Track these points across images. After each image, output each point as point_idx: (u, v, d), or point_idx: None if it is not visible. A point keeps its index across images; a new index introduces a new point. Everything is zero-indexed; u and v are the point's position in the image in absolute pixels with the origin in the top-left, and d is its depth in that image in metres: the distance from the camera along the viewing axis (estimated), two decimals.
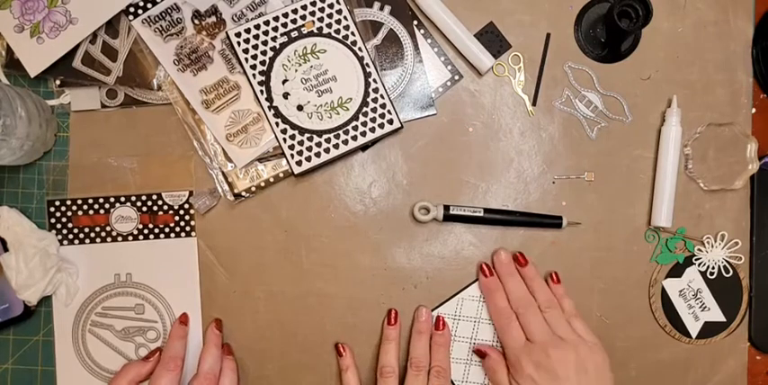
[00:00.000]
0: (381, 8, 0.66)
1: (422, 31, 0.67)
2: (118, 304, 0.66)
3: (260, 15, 0.64)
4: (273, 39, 0.63)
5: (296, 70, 0.64)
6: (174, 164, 0.66)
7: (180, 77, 0.64)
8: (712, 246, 0.67)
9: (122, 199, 0.66)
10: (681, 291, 0.67)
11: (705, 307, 0.67)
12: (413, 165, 0.67)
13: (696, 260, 0.67)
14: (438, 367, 0.63)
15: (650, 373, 0.67)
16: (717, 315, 0.67)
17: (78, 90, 0.66)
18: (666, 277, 0.67)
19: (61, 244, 0.65)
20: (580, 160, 0.67)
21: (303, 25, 0.64)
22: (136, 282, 0.66)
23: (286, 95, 0.64)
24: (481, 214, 0.65)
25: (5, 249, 0.63)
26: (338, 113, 0.64)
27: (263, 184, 0.66)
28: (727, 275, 0.67)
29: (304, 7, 0.64)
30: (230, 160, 0.65)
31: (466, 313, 0.65)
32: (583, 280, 0.67)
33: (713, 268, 0.67)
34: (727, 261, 0.67)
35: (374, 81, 0.64)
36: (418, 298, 0.66)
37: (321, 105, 0.64)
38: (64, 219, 0.66)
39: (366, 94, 0.64)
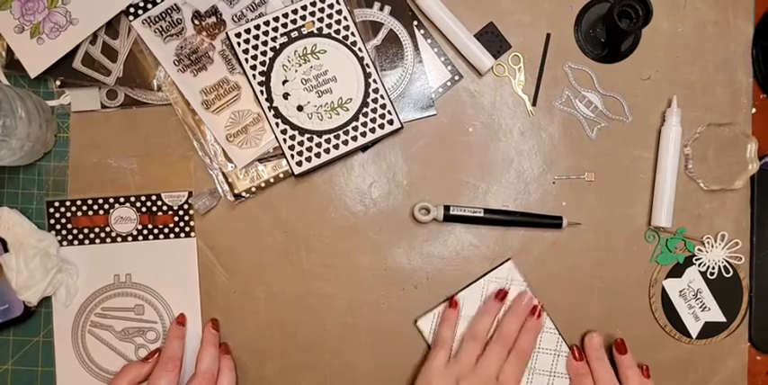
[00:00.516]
0: (381, 8, 0.66)
1: (422, 31, 0.67)
2: (117, 305, 0.66)
3: (260, 16, 0.64)
4: (273, 39, 0.63)
5: (296, 71, 0.64)
6: (174, 164, 0.66)
7: (180, 78, 0.64)
8: (712, 247, 0.67)
9: (122, 199, 0.66)
10: (681, 292, 0.66)
11: (705, 307, 0.67)
12: (413, 165, 0.67)
13: (696, 260, 0.67)
14: (522, 349, 0.63)
15: (650, 373, 0.67)
16: (717, 315, 0.67)
17: (78, 91, 0.66)
18: (667, 277, 0.67)
19: (60, 245, 0.65)
20: (580, 160, 0.67)
21: (303, 26, 0.64)
22: (135, 282, 0.66)
23: (286, 96, 0.64)
24: (481, 214, 0.65)
25: (6, 250, 0.63)
26: (338, 114, 0.64)
27: (263, 185, 0.66)
28: (728, 275, 0.67)
29: (304, 7, 0.64)
30: (230, 160, 0.65)
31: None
32: (583, 280, 0.67)
33: (713, 268, 0.67)
34: (727, 261, 0.67)
35: (374, 81, 0.64)
36: (418, 298, 0.66)
37: (321, 106, 0.64)
38: (63, 220, 0.66)
39: (366, 94, 0.64)
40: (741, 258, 0.67)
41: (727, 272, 0.67)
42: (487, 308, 0.65)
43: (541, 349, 0.65)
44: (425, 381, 0.61)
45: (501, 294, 0.65)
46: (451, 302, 0.65)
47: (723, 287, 0.67)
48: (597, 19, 0.67)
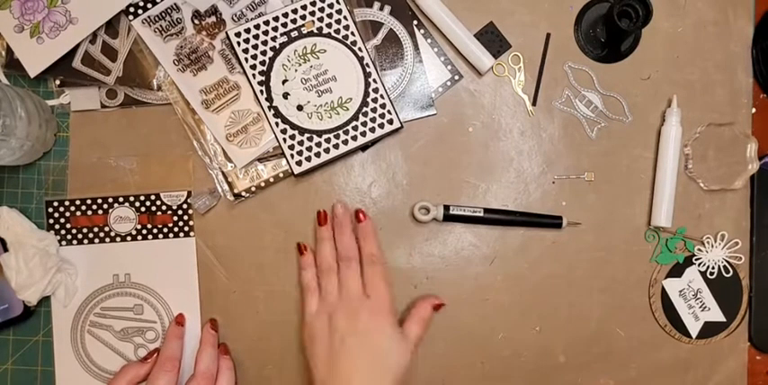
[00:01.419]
0: (381, 8, 0.66)
1: (422, 31, 0.67)
2: (117, 304, 0.66)
3: (260, 15, 0.64)
4: (273, 39, 0.63)
5: (296, 70, 0.64)
6: (174, 164, 0.66)
7: (180, 77, 0.64)
8: (712, 246, 0.67)
9: (120, 199, 0.66)
10: (681, 291, 0.66)
11: (705, 307, 0.67)
12: (413, 165, 0.67)
13: (696, 260, 0.67)
14: (371, 255, 0.62)
15: (650, 373, 0.67)
16: (717, 315, 0.67)
17: (78, 90, 0.66)
18: (666, 277, 0.67)
19: (60, 244, 0.65)
20: (580, 160, 0.67)
21: (303, 25, 0.64)
22: (134, 282, 0.66)
23: (286, 95, 0.64)
24: (481, 214, 0.65)
25: (5, 249, 0.63)
26: (338, 113, 0.64)
27: (262, 184, 0.66)
28: (728, 275, 0.67)
29: (304, 7, 0.64)
30: (230, 160, 0.65)
31: None
32: (583, 280, 0.67)
33: (713, 268, 0.67)
34: (727, 261, 0.67)
35: (374, 81, 0.64)
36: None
37: (321, 105, 0.64)
38: (62, 220, 0.66)
39: (366, 94, 0.64)
40: (741, 258, 0.67)
41: (727, 271, 0.67)
42: (320, 235, 0.64)
43: None
44: (307, 330, 0.61)
45: (320, 217, 0.65)
46: (299, 248, 0.65)
47: (723, 287, 0.67)
48: (597, 19, 0.67)
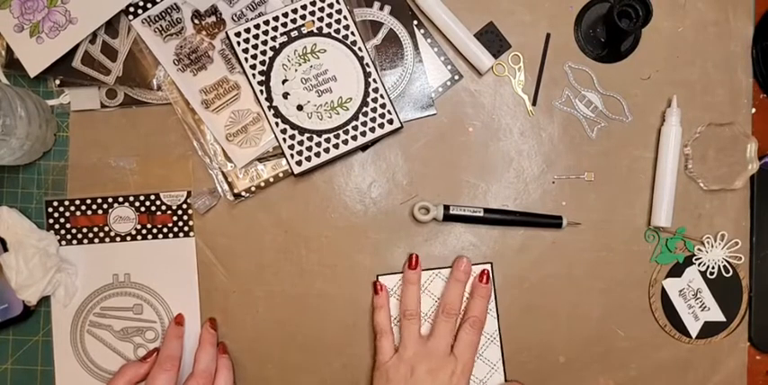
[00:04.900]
0: (381, 8, 0.66)
1: (422, 30, 0.67)
2: (116, 304, 0.66)
3: (260, 15, 0.64)
4: (273, 38, 0.63)
5: (296, 70, 0.64)
6: (174, 164, 0.66)
7: (180, 77, 0.64)
8: (712, 246, 0.67)
9: (120, 199, 0.66)
10: (681, 291, 0.66)
11: (705, 307, 0.67)
12: (413, 165, 0.67)
13: (696, 260, 0.67)
14: (475, 318, 0.62)
15: (650, 373, 0.67)
16: (717, 315, 0.67)
17: (78, 90, 0.66)
18: (666, 277, 0.67)
19: (60, 244, 0.65)
20: (580, 160, 0.67)
21: (303, 25, 0.64)
22: (134, 282, 0.66)
23: (286, 95, 0.63)
24: (481, 214, 0.65)
25: (5, 249, 0.63)
26: (338, 113, 0.64)
27: (262, 184, 0.66)
28: (727, 275, 0.67)
29: (304, 7, 0.63)
30: (230, 160, 0.65)
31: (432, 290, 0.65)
32: (583, 280, 0.67)
33: (713, 268, 0.67)
34: (727, 261, 0.67)
35: (374, 81, 0.64)
36: None
37: (321, 105, 0.64)
38: (62, 220, 0.66)
39: (366, 93, 0.64)
40: (741, 258, 0.67)
41: (727, 271, 0.67)
42: (407, 278, 0.64)
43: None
44: (383, 374, 0.61)
45: (412, 261, 0.64)
46: (376, 287, 0.64)
47: (723, 287, 0.67)
48: (597, 19, 0.67)
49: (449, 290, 0.63)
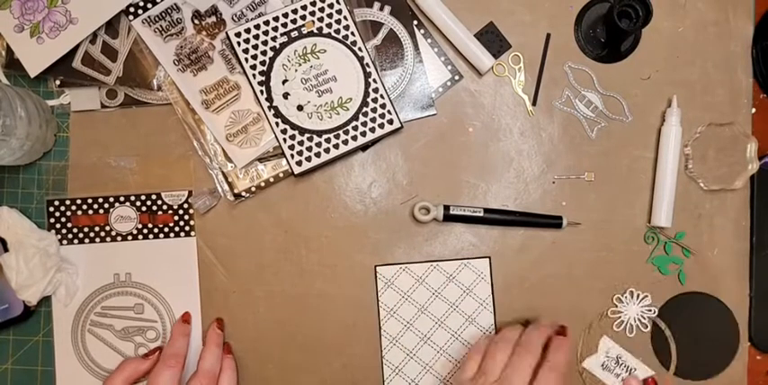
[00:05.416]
0: (381, 8, 0.66)
1: (422, 30, 0.67)
2: (117, 304, 0.66)
3: (260, 15, 0.64)
4: (273, 39, 0.63)
5: (296, 70, 0.64)
6: (174, 164, 0.66)
7: (180, 77, 0.64)
8: (628, 303, 0.66)
9: (122, 199, 0.66)
10: (603, 365, 0.65)
11: (631, 369, 0.65)
12: (413, 165, 0.67)
13: (614, 314, 0.66)
14: (558, 363, 0.58)
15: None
16: (644, 372, 0.65)
17: (78, 90, 0.66)
18: (584, 360, 0.66)
19: (60, 244, 0.65)
20: (580, 160, 0.67)
21: (303, 25, 0.64)
22: (135, 281, 0.66)
23: (286, 95, 0.64)
24: (481, 214, 0.65)
25: (6, 249, 0.63)
26: (338, 113, 0.64)
27: (262, 184, 0.66)
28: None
29: (304, 7, 0.64)
30: (230, 160, 0.65)
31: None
32: (583, 280, 0.67)
33: (632, 325, 0.65)
34: (641, 316, 0.66)
35: (374, 81, 0.64)
36: None
37: (321, 105, 0.64)
38: (63, 219, 0.66)
39: (366, 94, 0.64)
40: (654, 311, 0.66)
41: (645, 327, 0.66)
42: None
43: None
44: None
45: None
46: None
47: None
48: (597, 19, 0.67)
49: (529, 332, 0.60)
